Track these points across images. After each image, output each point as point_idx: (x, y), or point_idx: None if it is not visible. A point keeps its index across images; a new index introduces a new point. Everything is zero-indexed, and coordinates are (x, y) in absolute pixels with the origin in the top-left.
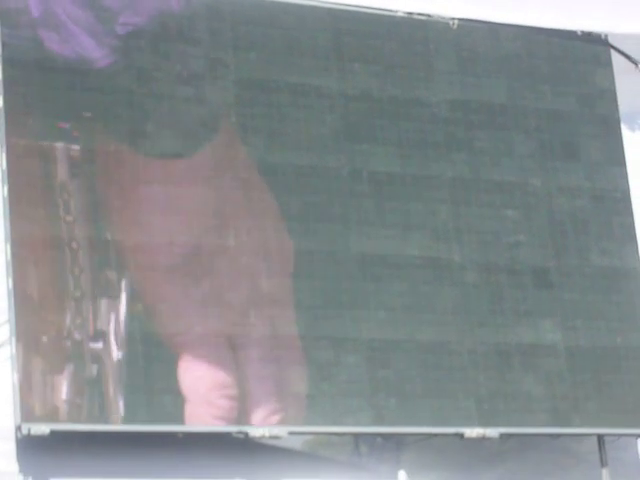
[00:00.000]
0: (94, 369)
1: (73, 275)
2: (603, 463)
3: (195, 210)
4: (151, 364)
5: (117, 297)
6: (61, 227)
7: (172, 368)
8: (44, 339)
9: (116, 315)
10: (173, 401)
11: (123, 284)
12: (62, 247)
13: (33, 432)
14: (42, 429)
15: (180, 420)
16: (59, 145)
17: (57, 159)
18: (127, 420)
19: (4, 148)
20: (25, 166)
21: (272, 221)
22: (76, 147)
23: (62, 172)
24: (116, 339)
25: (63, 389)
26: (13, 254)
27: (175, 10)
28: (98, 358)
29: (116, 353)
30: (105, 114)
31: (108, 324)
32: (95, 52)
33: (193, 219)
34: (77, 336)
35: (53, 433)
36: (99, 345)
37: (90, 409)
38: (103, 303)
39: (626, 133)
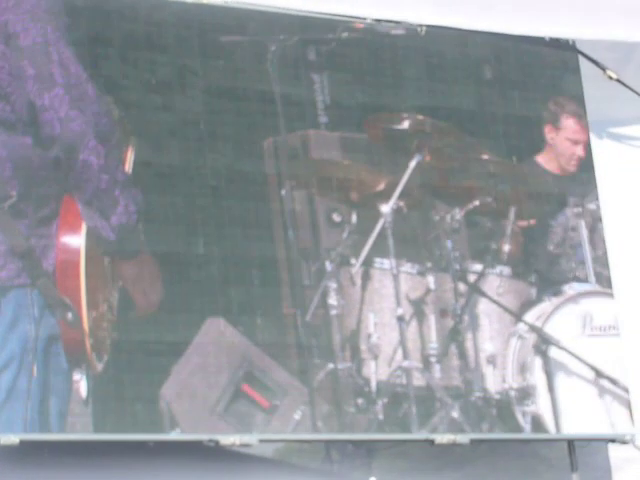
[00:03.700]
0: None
1: None
2: (573, 468)
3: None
4: (122, 372)
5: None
6: None
7: (143, 376)
8: None
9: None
10: (144, 409)
11: None
12: None
13: (3, 442)
14: (11, 439)
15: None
16: None
17: None
18: (97, 429)
19: None
20: None
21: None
22: None
23: None
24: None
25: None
26: None
27: None
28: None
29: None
30: None
31: None
32: None
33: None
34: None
35: (23, 443)
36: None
37: (60, 418)
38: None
39: (594, 139)
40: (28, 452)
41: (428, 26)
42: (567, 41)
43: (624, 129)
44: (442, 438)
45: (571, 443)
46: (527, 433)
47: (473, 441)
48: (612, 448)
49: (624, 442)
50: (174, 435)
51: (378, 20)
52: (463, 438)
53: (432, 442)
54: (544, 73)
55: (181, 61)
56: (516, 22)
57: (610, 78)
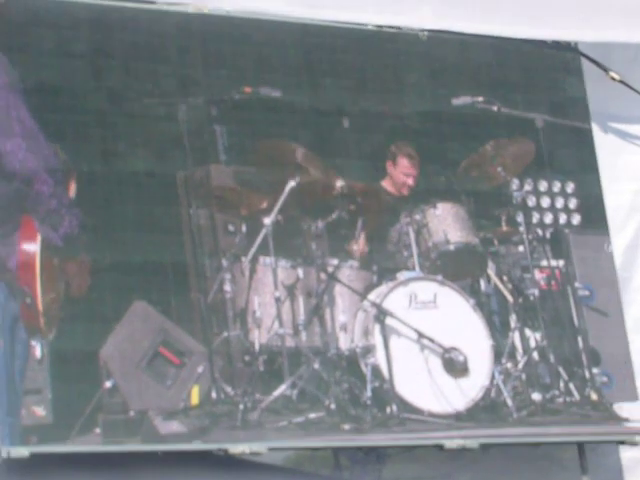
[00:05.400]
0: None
1: None
2: (584, 470)
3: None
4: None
5: None
6: None
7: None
8: None
9: None
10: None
11: None
12: None
13: (13, 455)
14: (21, 452)
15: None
16: None
17: None
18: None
19: None
20: None
21: None
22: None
23: None
24: None
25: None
26: None
27: None
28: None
29: None
30: (76, 134)
31: None
32: None
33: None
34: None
35: (33, 456)
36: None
37: (69, 429)
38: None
39: (597, 140)
40: (35, 462)
41: (430, 31)
42: (569, 43)
43: (628, 127)
44: (451, 443)
45: (581, 445)
46: (536, 436)
47: (483, 445)
48: (623, 449)
49: (634, 444)
50: (182, 445)
51: (380, 26)
52: (472, 443)
53: (441, 447)
54: (546, 75)
55: (183, 71)
56: (518, 26)
57: (613, 79)
